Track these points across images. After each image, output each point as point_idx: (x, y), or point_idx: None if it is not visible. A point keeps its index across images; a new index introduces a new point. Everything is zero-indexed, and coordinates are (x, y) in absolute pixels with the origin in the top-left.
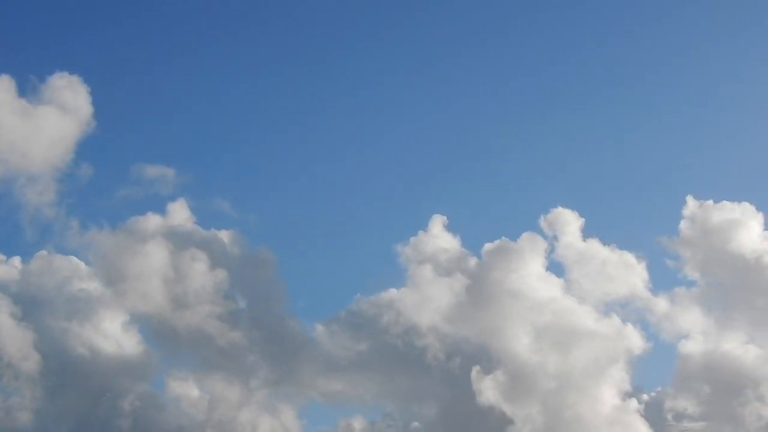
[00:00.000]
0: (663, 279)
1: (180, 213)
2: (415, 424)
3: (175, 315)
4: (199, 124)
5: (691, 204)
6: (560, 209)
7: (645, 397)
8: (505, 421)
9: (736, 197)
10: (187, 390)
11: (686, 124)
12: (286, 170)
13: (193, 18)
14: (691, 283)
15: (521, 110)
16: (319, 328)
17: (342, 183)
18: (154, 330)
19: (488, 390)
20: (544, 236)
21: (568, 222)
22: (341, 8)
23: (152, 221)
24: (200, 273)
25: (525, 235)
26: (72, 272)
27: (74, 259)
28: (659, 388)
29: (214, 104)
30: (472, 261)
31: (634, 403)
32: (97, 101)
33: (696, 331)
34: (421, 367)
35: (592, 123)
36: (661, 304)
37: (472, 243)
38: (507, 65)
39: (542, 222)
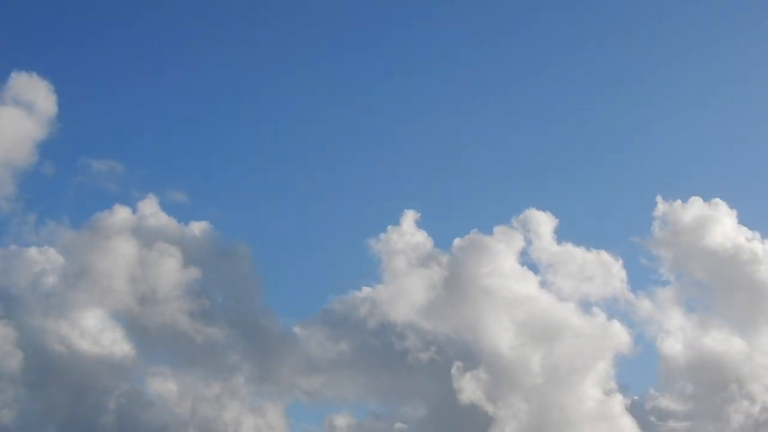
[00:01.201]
0: (640, 279)
1: (150, 208)
2: (399, 424)
3: (149, 311)
4: (166, 122)
5: (663, 203)
6: (533, 210)
7: (629, 398)
8: (488, 419)
9: (707, 194)
10: (167, 388)
11: (656, 123)
12: (258, 167)
13: (156, 16)
14: (668, 283)
15: (495, 111)
16: (298, 327)
17: (313, 179)
18: (133, 327)
19: (469, 387)
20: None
21: (541, 223)
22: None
23: (123, 217)
24: (173, 269)
25: (499, 229)
26: (46, 268)
27: (48, 254)
28: (643, 388)
29: (181, 101)
30: (447, 257)
31: (619, 398)
32: (62, 100)
33: (677, 330)
34: (402, 364)
35: (565, 125)
36: (641, 303)
37: (445, 241)
38: (482, 65)
39: (515, 222)
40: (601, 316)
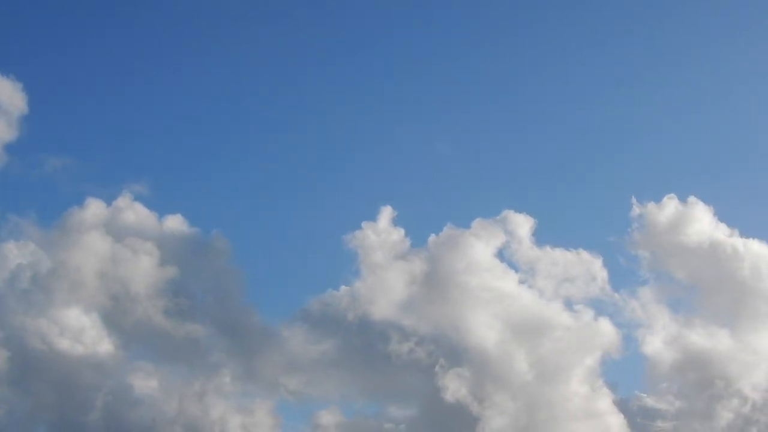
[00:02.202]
0: (621, 279)
1: (124, 204)
2: (388, 424)
3: (125, 309)
4: (138, 119)
5: (639, 204)
6: (510, 212)
7: (616, 397)
8: (474, 417)
9: (682, 192)
10: (152, 386)
11: (631, 124)
12: (230, 163)
13: (127, 14)
14: (649, 282)
15: (472, 113)
16: (281, 325)
17: (288, 175)
18: (116, 324)
19: (453, 385)
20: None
21: (519, 224)
22: None
23: (97, 213)
24: (151, 265)
25: (477, 222)
26: (23, 263)
27: (24, 250)
28: (628, 388)
29: (154, 99)
30: (425, 253)
31: (608, 396)
32: (32, 99)
33: (661, 329)
34: (386, 362)
35: (540, 126)
36: (623, 303)
37: (422, 239)
38: (460, 66)
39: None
40: (586, 314)
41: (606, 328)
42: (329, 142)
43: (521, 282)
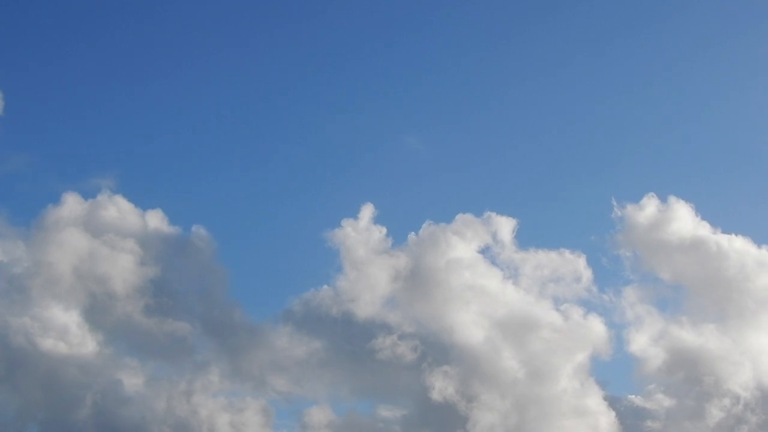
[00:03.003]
0: (606, 279)
1: (104, 200)
2: (380, 424)
3: (107, 308)
4: (115, 117)
5: (620, 206)
6: (492, 214)
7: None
8: (460, 418)
9: (662, 191)
10: (142, 385)
11: (608, 123)
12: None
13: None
14: (636, 282)
15: (451, 113)
16: (266, 324)
17: (270, 173)
18: (98, 323)
19: (439, 382)
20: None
21: (502, 226)
22: None
23: (77, 210)
24: (133, 263)
25: (459, 218)
26: (4, 261)
27: (2, 248)
28: (617, 388)
29: (135, 96)
30: (408, 251)
31: (598, 394)
32: (7, 97)
33: (649, 329)
34: (373, 360)
35: (522, 128)
36: (610, 304)
37: (403, 237)
38: (441, 66)
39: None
40: (574, 313)
41: (594, 327)
42: (311, 140)
43: (505, 279)
